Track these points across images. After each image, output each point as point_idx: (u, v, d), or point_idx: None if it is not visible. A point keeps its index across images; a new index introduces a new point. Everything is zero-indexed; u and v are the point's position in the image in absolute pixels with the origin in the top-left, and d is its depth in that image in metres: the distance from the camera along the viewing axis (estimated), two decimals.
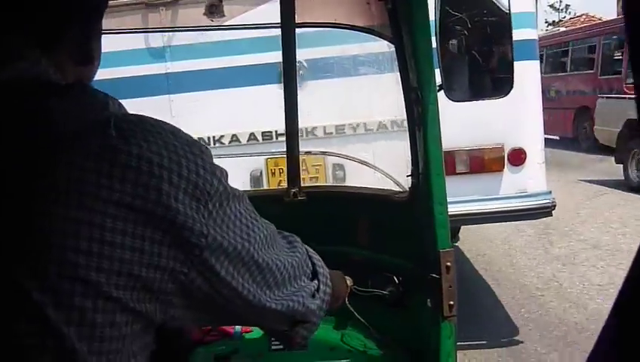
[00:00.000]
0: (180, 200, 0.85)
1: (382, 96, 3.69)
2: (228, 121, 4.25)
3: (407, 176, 1.77)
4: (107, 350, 0.84)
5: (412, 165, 1.74)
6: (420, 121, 1.62)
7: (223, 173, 0.93)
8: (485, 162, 4.28)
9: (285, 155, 2.10)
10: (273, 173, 4.26)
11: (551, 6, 48.10)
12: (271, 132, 4.28)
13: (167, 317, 0.91)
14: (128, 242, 0.83)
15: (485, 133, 4.22)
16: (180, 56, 4.04)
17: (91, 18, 1.00)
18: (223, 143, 4.33)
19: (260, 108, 4.08)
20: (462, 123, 4.08)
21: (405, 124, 1.81)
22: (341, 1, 1.94)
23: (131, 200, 0.83)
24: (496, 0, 1.68)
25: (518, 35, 3.32)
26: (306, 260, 1.15)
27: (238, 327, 2.01)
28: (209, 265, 0.90)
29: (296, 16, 1.84)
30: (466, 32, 1.62)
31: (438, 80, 1.64)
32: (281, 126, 4.17)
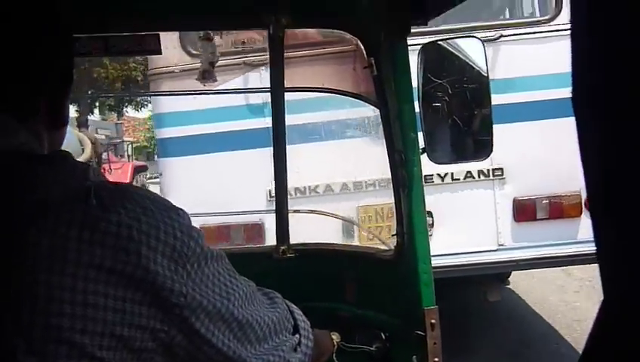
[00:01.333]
0: (159, 263, 0.90)
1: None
2: (321, 172, 4.54)
3: (393, 235, 1.82)
4: None
5: (397, 224, 1.80)
6: (404, 183, 1.68)
7: (200, 235, 0.97)
8: (564, 208, 4.52)
9: (275, 213, 2.14)
10: (363, 221, 4.53)
11: None
12: (361, 182, 4.57)
13: None
14: (110, 304, 0.87)
15: (564, 181, 4.41)
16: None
17: (63, 85, 1.05)
18: (318, 193, 4.63)
19: (351, 159, 4.41)
20: (542, 171, 4.45)
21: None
22: (329, 68, 2.02)
23: (112, 264, 0.87)
24: (476, 66, 1.76)
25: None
26: (286, 315, 1.17)
27: None
28: (189, 323, 0.94)
29: (285, 81, 1.91)
30: (447, 98, 1.69)
31: (422, 143, 1.71)
32: (369, 176, 4.38)
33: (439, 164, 1.73)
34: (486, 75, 1.73)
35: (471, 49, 1.74)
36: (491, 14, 6.06)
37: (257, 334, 1.06)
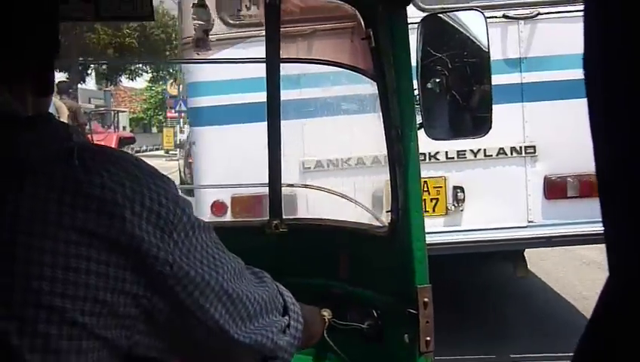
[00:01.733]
0: (144, 229, 0.87)
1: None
2: (353, 145, 4.63)
3: (387, 211, 1.79)
4: None
5: (392, 201, 1.76)
6: (401, 158, 1.65)
7: (187, 204, 0.95)
8: (593, 187, 4.42)
9: (268, 187, 2.12)
10: None
11: None
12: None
13: (131, 343, 0.92)
14: (93, 267, 0.84)
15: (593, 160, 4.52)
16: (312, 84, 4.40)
17: (48, 51, 1.02)
18: (350, 165, 4.72)
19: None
20: (573, 150, 4.40)
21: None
22: (327, 39, 1.98)
23: (95, 227, 0.85)
24: (477, 40, 1.72)
25: None
26: (276, 295, 1.14)
27: None
28: (174, 292, 0.92)
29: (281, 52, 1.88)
30: (446, 72, 1.65)
31: (419, 118, 1.67)
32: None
33: (436, 140, 1.70)
34: (487, 49, 1.69)
35: (473, 23, 1.69)
36: None
37: (247, 310, 1.03)
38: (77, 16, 1.78)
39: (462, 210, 4.75)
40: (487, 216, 4.74)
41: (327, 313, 1.65)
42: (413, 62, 1.66)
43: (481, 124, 1.74)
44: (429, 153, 4.55)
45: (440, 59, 1.65)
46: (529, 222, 4.76)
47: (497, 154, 4.72)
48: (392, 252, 1.75)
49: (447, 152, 4.66)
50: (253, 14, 4.65)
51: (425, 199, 4.57)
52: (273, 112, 1.98)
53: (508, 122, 4.41)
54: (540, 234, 4.76)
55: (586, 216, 4.64)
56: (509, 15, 4.57)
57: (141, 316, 0.90)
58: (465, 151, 4.68)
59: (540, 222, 4.73)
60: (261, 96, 4.41)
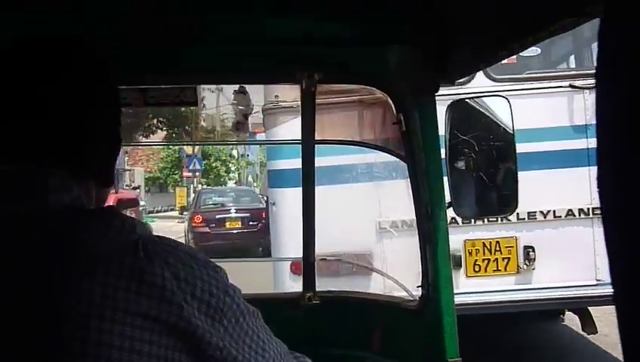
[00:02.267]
0: (197, 317, 0.95)
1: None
2: None
3: (418, 286, 1.86)
4: None
5: (422, 276, 1.83)
6: (430, 236, 1.72)
7: (236, 291, 1.02)
8: None
9: (302, 260, 2.19)
10: (470, 253, 4.94)
11: None
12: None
13: None
14: (154, 351, 0.92)
15: None
16: None
17: (112, 144, 1.12)
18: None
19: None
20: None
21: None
22: (359, 122, 2.09)
23: (157, 313, 0.93)
24: (502, 123, 1.81)
25: None
26: None
27: None
28: None
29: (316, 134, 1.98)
30: (473, 154, 1.74)
31: (447, 197, 1.76)
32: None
33: (464, 218, 1.77)
34: (512, 132, 1.78)
35: (498, 107, 1.79)
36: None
37: None
38: (126, 103, 1.91)
39: (533, 269, 4.99)
40: (557, 275, 4.94)
41: None
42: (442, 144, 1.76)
43: (507, 203, 1.81)
44: (502, 217, 4.68)
45: (467, 141, 1.74)
46: (597, 280, 4.92)
47: (566, 216, 4.96)
48: (423, 325, 1.80)
49: (518, 213, 4.79)
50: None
51: (497, 258, 4.95)
52: (308, 188, 2.07)
53: (575, 185, 4.71)
54: (608, 292, 4.70)
55: None
56: (575, 85, 4.86)
57: None
58: (535, 212, 4.94)
59: (608, 280, 4.71)
60: (338, 160, 4.49)
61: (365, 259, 4.85)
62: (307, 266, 2.20)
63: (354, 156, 4.71)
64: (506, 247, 4.95)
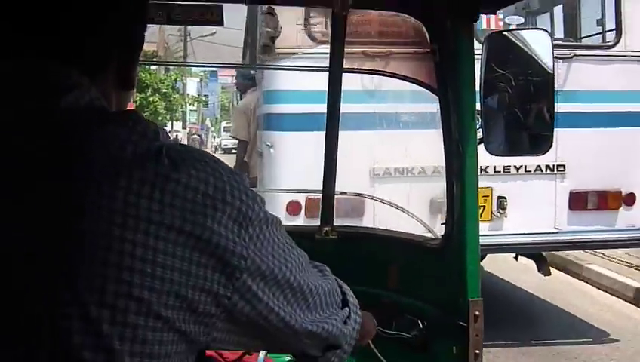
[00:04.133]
0: (224, 225, 0.90)
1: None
2: (418, 156, 5.32)
3: (442, 223, 1.81)
4: None
5: (447, 214, 1.78)
6: (459, 173, 1.67)
7: (262, 200, 0.98)
8: (608, 201, 5.61)
9: (321, 194, 2.15)
10: None
11: None
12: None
13: (209, 339, 0.95)
14: (177, 264, 0.87)
15: (609, 179, 5.58)
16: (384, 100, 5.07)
17: (133, 45, 1.05)
18: (414, 174, 5.45)
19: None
20: (594, 170, 5.54)
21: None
22: (390, 52, 2.01)
23: (181, 224, 0.88)
24: (541, 60, 1.73)
25: (631, 107, 5.28)
26: (336, 289, 1.18)
27: (260, 359, 2.04)
28: (250, 288, 0.94)
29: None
30: (509, 90, 1.66)
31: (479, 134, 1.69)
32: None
33: (496, 155, 1.71)
34: (550, 69, 1.70)
35: (538, 42, 1.70)
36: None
37: (309, 302, 1.06)
38: (149, 17, 1.83)
39: (505, 217, 5.64)
40: (524, 223, 5.59)
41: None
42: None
43: (541, 143, 1.74)
44: (479, 167, 4.71)
45: (503, 75, 1.67)
46: (556, 228, 5.64)
47: (535, 171, 5.61)
48: (445, 264, 1.76)
49: (495, 167, 5.47)
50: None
51: (483, 206, 5.50)
52: (332, 121, 2.01)
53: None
54: (565, 239, 5.67)
55: (603, 225, 5.69)
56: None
57: (221, 315, 0.93)
58: (509, 166, 5.54)
59: (565, 229, 5.63)
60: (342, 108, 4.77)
61: (358, 203, 5.06)
62: (326, 200, 2.16)
63: (353, 105, 4.51)
64: (482, 196, 5.37)
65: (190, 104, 37.17)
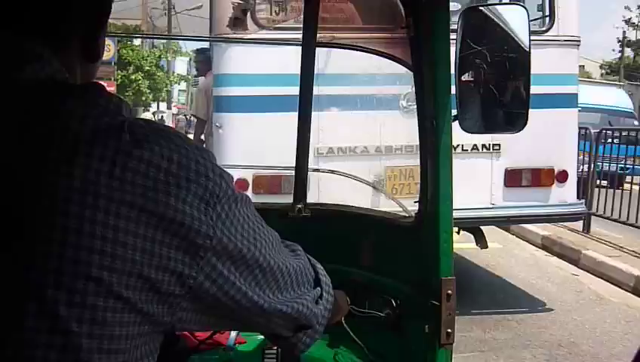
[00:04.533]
0: (188, 203, 0.88)
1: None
2: (361, 136, 5.72)
3: (415, 201, 1.79)
4: (115, 349, 0.86)
5: (420, 191, 1.76)
6: (433, 149, 1.64)
7: (230, 177, 0.95)
8: (541, 178, 5.97)
9: (294, 171, 2.12)
10: (389, 178, 5.79)
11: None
12: (391, 146, 5.76)
13: (174, 320, 0.93)
14: (139, 243, 0.85)
15: (542, 158, 5.95)
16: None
17: (98, 15, 1.02)
18: (356, 153, 5.79)
19: (385, 128, 5.59)
20: (528, 149, 5.77)
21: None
22: (364, 27, 1.97)
23: (143, 202, 0.85)
24: (517, 36, 1.71)
25: (563, 89, 5.67)
26: (308, 268, 1.17)
27: (232, 338, 2.02)
28: (216, 268, 0.92)
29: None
30: (485, 66, 1.64)
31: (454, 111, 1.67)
32: (396, 142, 5.55)
33: (470, 133, 1.69)
34: (527, 46, 1.67)
35: (514, 18, 1.68)
36: None
37: (279, 282, 1.05)
38: None
39: None
40: (461, 199, 5.43)
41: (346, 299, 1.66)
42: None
43: (516, 120, 1.72)
44: (413, 145, 5.04)
45: (479, 52, 1.64)
46: (492, 204, 6.02)
47: (471, 150, 5.94)
48: (418, 242, 1.75)
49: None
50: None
51: (411, 183, 5.82)
52: (305, 98, 1.98)
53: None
54: (500, 214, 6.03)
55: (537, 201, 6.03)
56: None
57: (186, 295, 0.91)
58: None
59: (500, 204, 6.02)
60: (282, 90, 5.02)
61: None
62: (299, 178, 2.13)
63: (293, 88, 5.03)
64: (418, 173, 5.54)
65: (176, 83, 36.24)
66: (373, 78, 5.25)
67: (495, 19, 1.70)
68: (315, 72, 4.71)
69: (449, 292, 1.59)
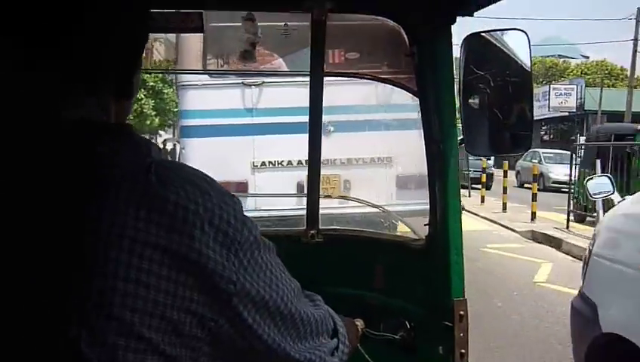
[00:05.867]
0: (211, 248, 0.89)
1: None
2: (287, 152, 7.61)
3: (425, 225, 1.82)
4: None
5: (430, 215, 1.79)
6: (440, 173, 1.68)
7: (254, 224, 0.96)
8: (422, 183, 6.95)
9: (306, 197, 2.15)
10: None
11: None
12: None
13: None
14: (163, 285, 0.86)
15: (420, 166, 6.57)
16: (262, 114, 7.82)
17: (133, 55, 1.03)
18: (283, 165, 7.92)
19: (306, 146, 6.37)
20: (413, 161, 6.46)
21: None
22: (369, 54, 2.02)
23: (166, 244, 0.87)
24: (519, 59, 1.75)
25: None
26: (327, 318, 1.16)
27: None
28: (237, 312, 0.93)
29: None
30: (488, 90, 1.68)
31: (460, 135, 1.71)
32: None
33: (477, 156, 1.73)
34: (529, 69, 1.71)
35: (515, 42, 1.72)
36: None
37: (299, 331, 1.05)
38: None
39: (350, 195, 7.86)
40: (365, 197, 6.92)
41: (359, 323, 1.68)
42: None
43: (521, 141, 1.75)
44: (330, 159, 7.52)
45: (482, 77, 1.68)
46: (386, 202, 6.92)
47: (370, 161, 8.03)
48: (429, 264, 1.77)
49: (341, 159, 7.84)
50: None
51: (327, 188, 7.61)
52: (315, 124, 2.02)
53: (376, 142, 7.63)
54: (394, 210, 6.49)
55: (422, 199, 6.14)
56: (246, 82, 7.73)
57: (207, 338, 0.92)
58: (352, 158, 7.94)
59: (394, 202, 7.35)
60: (228, 121, 8.20)
61: (243, 185, 7.73)
62: (311, 203, 2.16)
63: (239, 119, 7.73)
64: (333, 180, 7.88)
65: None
66: (300, 109, 6.16)
67: (497, 43, 1.74)
68: (251, 106, 7.39)
69: (461, 313, 1.61)
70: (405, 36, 1.76)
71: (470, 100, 1.71)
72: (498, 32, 1.75)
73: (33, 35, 0.93)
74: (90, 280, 0.84)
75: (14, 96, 0.94)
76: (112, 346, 0.85)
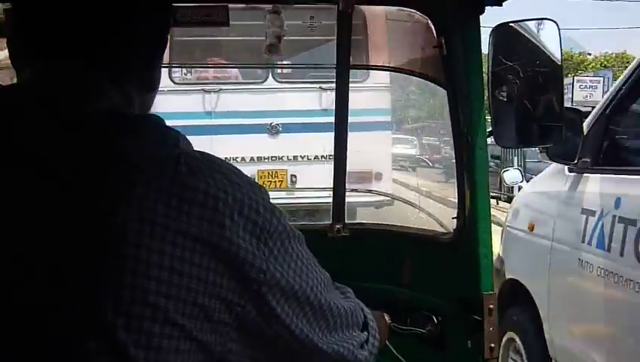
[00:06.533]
0: (241, 236, 0.89)
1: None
2: (242, 150, 8.30)
3: (453, 218, 1.80)
4: None
5: (458, 208, 1.77)
6: (469, 166, 1.66)
7: (282, 214, 0.96)
8: (364, 178, 8.05)
9: (332, 191, 2.15)
10: (260, 178, 8.32)
11: None
12: (261, 156, 8.58)
13: (224, 351, 0.93)
14: (194, 272, 0.87)
15: (365, 164, 7.74)
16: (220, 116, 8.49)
17: (156, 48, 1.04)
18: (237, 161, 8.07)
19: (257, 144, 8.43)
20: (357, 159, 6.44)
21: None
22: (396, 46, 2.00)
23: (197, 232, 0.87)
24: (548, 51, 1.72)
25: (379, 119, 8.45)
26: (358, 311, 1.15)
27: None
28: (266, 301, 0.93)
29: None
30: (517, 81, 1.65)
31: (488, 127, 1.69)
32: (265, 153, 8.83)
33: (505, 147, 1.71)
34: (559, 60, 1.68)
35: (545, 32, 1.69)
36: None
37: (329, 323, 1.04)
38: None
39: (295, 188, 8.53)
40: (308, 191, 8.01)
41: (387, 317, 1.67)
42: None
43: (551, 133, 1.73)
44: (278, 155, 8.48)
45: (511, 67, 1.65)
46: (329, 195, 7.08)
47: (314, 158, 8.37)
48: (457, 258, 1.76)
49: (288, 156, 8.53)
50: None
51: (275, 181, 8.52)
52: (341, 118, 2.01)
53: (320, 141, 7.46)
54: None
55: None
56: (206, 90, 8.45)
57: (234, 323, 0.92)
58: (297, 155, 8.54)
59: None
60: (192, 122, 8.08)
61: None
62: (337, 197, 2.16)
63: (196, 120, 8.07)
64: (280, 174, 8.55)
65: None
66: (252, 113, 8.22)
67: (526, 34, 1.71)
68: (210, 109, 7.95)
69: (490, 306, 1.60)
70: (433, 27, 1.74)
71: (499, 92, 1.68)
72: (527, 22, 1.72)
73: (60, 29, 0.95)
74: (123, 268, 0.85)
75: (42, 87, 0.95)
76: (147, 333, 0.85)
